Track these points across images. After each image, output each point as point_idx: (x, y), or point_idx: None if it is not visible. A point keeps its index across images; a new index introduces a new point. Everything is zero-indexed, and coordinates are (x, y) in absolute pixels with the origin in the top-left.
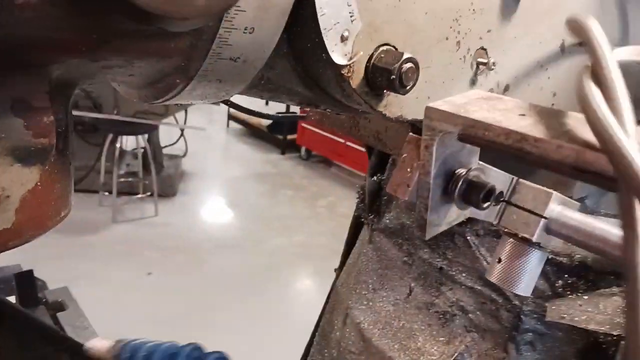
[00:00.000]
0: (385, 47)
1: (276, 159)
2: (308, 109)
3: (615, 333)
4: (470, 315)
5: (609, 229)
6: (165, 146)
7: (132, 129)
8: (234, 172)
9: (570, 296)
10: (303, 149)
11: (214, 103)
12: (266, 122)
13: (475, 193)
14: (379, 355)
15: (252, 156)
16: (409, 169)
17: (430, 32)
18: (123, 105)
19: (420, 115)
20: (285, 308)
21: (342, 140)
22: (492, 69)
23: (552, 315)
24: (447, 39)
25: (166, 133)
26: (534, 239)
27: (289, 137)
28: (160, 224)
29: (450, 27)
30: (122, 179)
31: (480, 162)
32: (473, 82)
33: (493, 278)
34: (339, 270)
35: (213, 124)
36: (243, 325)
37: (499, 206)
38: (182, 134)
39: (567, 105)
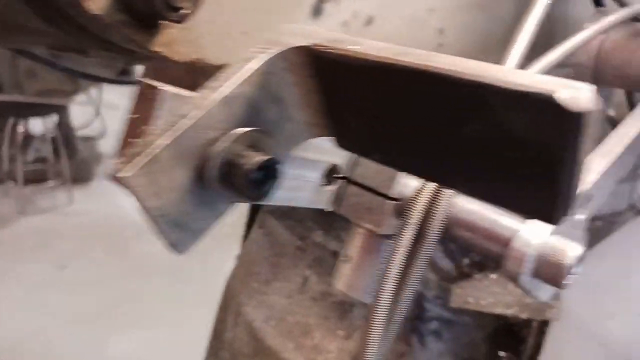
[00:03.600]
0: None
1: None
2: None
3: (524, 316)
4: None
5: (493, 215)
6: (81, 128)
7: (37, 111)
8: None
9: (477, 276)
10: None
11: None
12: None
13: (240, 174)
14: (273, 356)
15: None
16: (135, 139)
17: None
18: (27, 84)
19: (231, 60)
20: (216, 294)
21: None
22: None
23: (457, 300)
24: None
25: (82, 113)
26: (381, 230)
27: None
28: (75, 213)
29: None
30: (31, 167)
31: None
32: (317, 11)
33: (340, 284)
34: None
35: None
36: (171, 315)
37: (334, 186)
38: (98, 113)
39: (459, 46)
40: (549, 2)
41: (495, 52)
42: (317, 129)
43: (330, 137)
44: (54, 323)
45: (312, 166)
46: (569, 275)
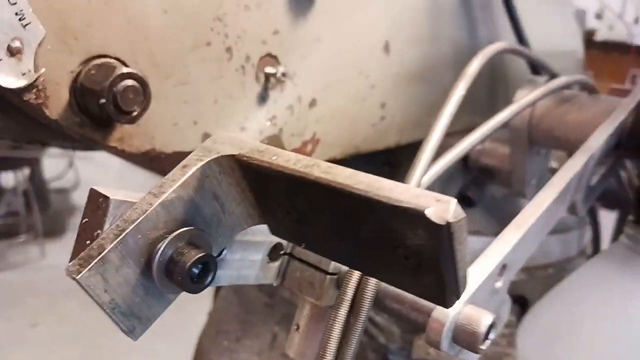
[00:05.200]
0: (101, 60)
1: None
2: None
3: None
4: None
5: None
6: (54, 180)
7: (9, 164)
8: None
9: None
10: None
11: None
12: None
13: (179, 269)
14: None
15: (152, 182)
16: (88, 241)
17: (178, 36)
18: None
19: (188, 147)
20: (191, 349)
21: None
22: (283, 81)
23: (419, 352)
24: (208, 44)
25: (54, 164)
26: (321, 302)
27: None
28: (48, 267)
29: (212, 29)
30: (2, 221)
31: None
32: (263, 98)
33: (291, 352)
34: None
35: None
36: None
37: (279, 262)
38: (71, 164)
39: (400, 117)
40: (462, 94)
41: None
42: (254, 218)
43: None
44: None
45: (256, 247)
46: (485, 341)
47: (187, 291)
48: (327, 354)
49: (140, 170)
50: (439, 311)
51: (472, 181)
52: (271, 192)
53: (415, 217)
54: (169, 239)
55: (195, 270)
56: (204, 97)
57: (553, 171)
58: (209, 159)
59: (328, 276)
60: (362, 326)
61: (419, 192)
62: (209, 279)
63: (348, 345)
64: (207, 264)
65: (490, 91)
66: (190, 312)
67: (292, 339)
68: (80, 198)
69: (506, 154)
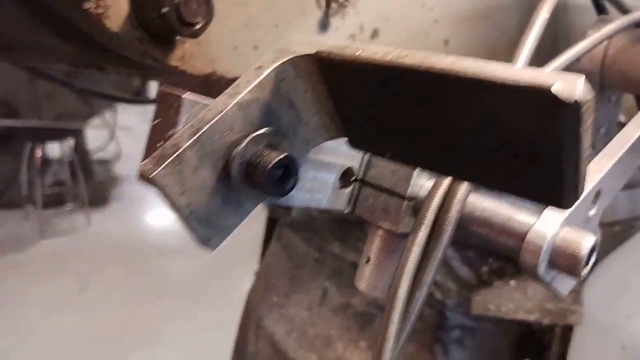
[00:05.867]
0: None
1: None
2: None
3: (546, 321)
4: None
5: (506, 211)
6: (97, 151)
7: (55, 135)
8: None
9: (497, 283)
10: None
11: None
12: None
13: (260, 171)
14: None
15: None
16: (160, 143)
17: None
18: (45, 107)
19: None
20: (233, 313)
21: None
22: (345, 6)
23: (478, 308)
24: None
25: (97, 136)
26: (398, 228)
27: None
28: (93, 235)
29: None
30: (49, 190)
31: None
32: (324, 25)
33: (362, 285)
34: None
35: (147, 123)
36: (190, 336)
37: (350, 188)
38: (112, 136)
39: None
40: (547, 16)
41: (501, 60)
42: (330, 131)
43: (342, 138)
44: (73, 342)
45: (328, 168)
46: (586, 266)
47: (268, 194)
48: (402, 283)
49: None
50: (534, 233)
51: None
52: (353, 94)
53: (538, 97)
54: (247, 139)
55: (277, 172)
56: (263, 20)
57: (621, 125)
58: (284, 59)
59: (405, 201)
60: (442, 254)
61: (537, 71)
62: (291, 182)
63: (425, 275)
64: (288, 168)
65: (553, 48)
66: (233, 278)
67: (361, 272)
68: (121, 169)
69: None
